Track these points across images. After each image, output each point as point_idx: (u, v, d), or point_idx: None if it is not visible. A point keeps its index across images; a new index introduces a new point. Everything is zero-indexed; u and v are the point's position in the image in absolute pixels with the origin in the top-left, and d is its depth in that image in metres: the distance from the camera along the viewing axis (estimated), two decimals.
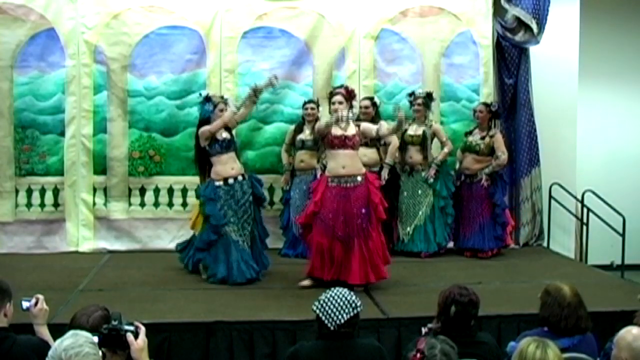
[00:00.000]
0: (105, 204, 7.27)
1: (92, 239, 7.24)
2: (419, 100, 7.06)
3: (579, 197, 7.84)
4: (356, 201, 5.50)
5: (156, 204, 7.33)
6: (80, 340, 2.42)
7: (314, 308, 3.34)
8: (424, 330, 3.37)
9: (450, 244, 7.28)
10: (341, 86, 6.00)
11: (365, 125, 5.77)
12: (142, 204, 7.33)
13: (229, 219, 5.86)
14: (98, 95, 7.21)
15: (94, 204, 7.25)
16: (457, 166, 7.30)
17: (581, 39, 7.93)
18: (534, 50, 7.77)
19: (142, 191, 7.33)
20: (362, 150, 6.87)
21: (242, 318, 4.86)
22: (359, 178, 5.56)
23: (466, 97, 7.65)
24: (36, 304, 3.43)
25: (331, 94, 5.89)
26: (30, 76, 7.15)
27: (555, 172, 7.83)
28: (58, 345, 2.40)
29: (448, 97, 7.64)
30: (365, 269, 5.51)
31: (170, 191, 7.33)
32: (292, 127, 7.09)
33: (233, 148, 6.01)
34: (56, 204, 7.23)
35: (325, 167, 6.00)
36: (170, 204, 7.34)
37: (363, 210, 5.50)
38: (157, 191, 7.34)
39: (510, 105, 7.81)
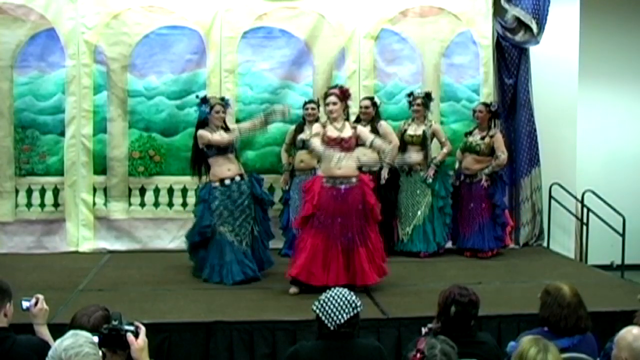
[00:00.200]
0: (105, 204, 7.27)
1: (92, 239, 7.24)
2: (418, 101, 7.06)
3: (579, 197, 7.84)
4: (352, 203, 5.43)
5: (156, 204, 7.34)
6: (80, 340, 2.42)
7: (314, 308, 3.34)
8: (424, 330, 3.37)
9: (449, 244, 7.29)
10: (336, 86, 5.93)
11: (361, 131, 5.66)
12: (142, 204, 7.33)
13: (224, 219, 5.88)
14: (98, 95, 7.21)
15: (94, 204, 7.25)
16: (457, 166, 7.30)
17: (581, 39, 7.93)
18: (534, 50, 7.77)
19: (142, 191, 7.33)
20: (362, 150, 6.88)
21: (242, 318, 4.86)
22: (354, 179, 5.50)
23: (466, 97, 7.65)
24: (36, 303, 3.43)
25: (326, 95, 5.79)
26: (30, 76, 7.15)
27: (555, 172, 7.83)
28: (58, 345, 2.40)
29: (448, 97, 7.64)
30: (369, 270, 5.46)
31: (170, 191, 7.33)
32: (293, 127, 7.09)
33: (231, 149, 6.02)
34: (56, 204, 7.23)
35: None
36: (170, 204, 7.34)
37: (363, 216, 5.45)
38: (157, 191, 7.34)
39: (510, 105, 7.81)
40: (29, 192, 7.22)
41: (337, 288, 3.45)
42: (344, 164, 5.42)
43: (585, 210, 7.80)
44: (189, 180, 7.13)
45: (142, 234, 7.32)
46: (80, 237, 7.21)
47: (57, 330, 3.00)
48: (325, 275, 5.36)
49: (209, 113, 5.96)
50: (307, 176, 6.83)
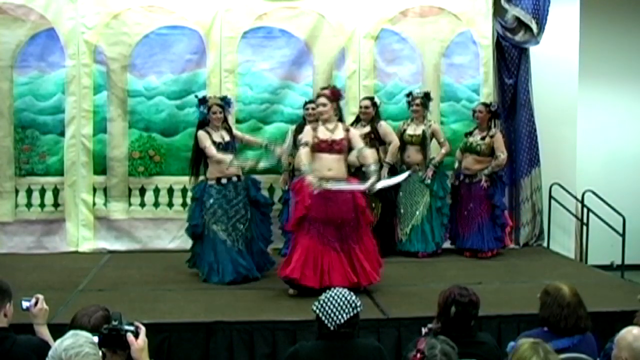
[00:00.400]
0: (105, 204, 7.27)
1: (92, 239, 7.24)
2: (417, 101, 7.06)
3: (579, 197, 7.84)
4: (343, 205, 5.38)
5: (156, 204, 7.34)
6: (81, 340, 2.42)
7: (314, 308, 3.34)
8: (424, 330, 3.37)
9: (448, 244, 7.29)
10: (327, 87, 5.87)
11: (353, 136, 5.58)
12: (142, 204, 7.33)
13: (218, 218, 5.91)
14: (98, 95, 7.21)
15: (94, 204, 7.25)
16: (456, 165, 7.30)
17: (581, 39, 7.93)
18: (534, 50, 7.77)
19: (142, 191, 7.33)
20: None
21: (242, 318, 4.86)
22: (343, 182, 5.44)
23: (466, 97, 7.64)
24: (36, 303, 3.44)
25: (317, 96, 5.74)
26: (30, 76, 7.15)
27: (555, 172, 7.83)
28: (58, 345, 2.40)
29: (448, 97, 7.64)
30: (363, 271, 5.43)
31: (170, 191, 7.33)
32: (293, 127, 7.09)
33: (231, 150, 6.04)
34: (56, 204, 7.23)
35: None
36: (170, 204, 7.34)
37: (352, 215, 5.42)
38: (157, 191, 7.34)
39: (510, 105, 7.81)
40: (29, 192, 7.21)
41: (337, 288, 3.45)
42: (335, 166, 5.41)
43: (585, 210, 7.80)
44: (189, 180, 7.13)
45: (142, 234, 7.32)
46: (80, 237, 7.21)
47: (57, 330, 3.00)
48: (321, 276, 5.30)
49: (207, 114, 6.00)
50: None
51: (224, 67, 7.32)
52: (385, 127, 7.00)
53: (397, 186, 7.06)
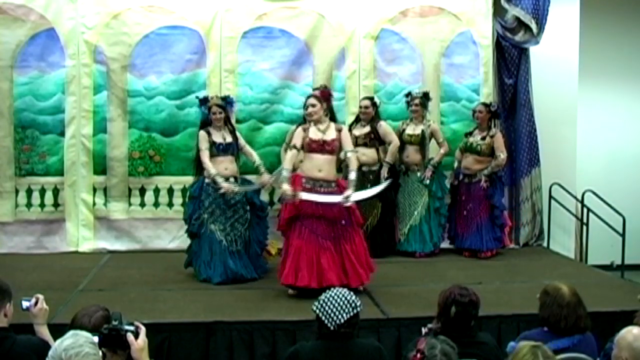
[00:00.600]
0: (105, 204, 7.27)
1: (92, 239, 7.24)
2: (416, 101, 7.06)
3: (579, 197, 7.84)
4: (334, 204, 5.35)
5: (156, 204, 7.34)
6: (80, 340, 2.42)
7: (314, 308, 3.34)
8: (424, 330, 3.37)
9: (447, 244, 7.29)
10: (318, 88, 5.84)
11: (344, 136, 5.54)
12: (142, 204, 7.33)
13: (216, 217, 5.93)
14: (98, 95, 7.21)
15: (94, 204, 7.25)
16: (456, 165, 7.31)
17: (581, 39, 7.93)
18: (534, 50, 7.77)
19: (142, 191, 7.33)
20: (362, 150, 6.90)
21: (242, 318, 4.86)
22: (333, 184, 5.43)
23: (466, 97, 7.64)
24: (36, 303, 3.44)
25: (307, 97, 5.72)
26: (30, 76, 7.15)
27: (555, 172, 7.83)
28: (58, 345, 2.41)
29: (448, 97, 7.64)
30: (354, 271, 5.40)
31: (170, 191, 7.33)
32: (293, 127, 7.08)
33: (231, 152, 6.06)
34: (56, 204, 7.23)
35: None
36: (170, 204, 7.34)
37: (344, 215, 5.39)
38: (157, 191, 7.34)
39: (510, 105, 7.81)
40: (29, 192, 7.21)
41: (337, 288, 3.46)
42: (326, 167, 5.40)
43: (585, 210, 7.80)
44: (189, 180, 7.08)
45: (142, 234, 7.32)
46: (80, 237, 7.21)
47: (57, 330, 3.01)
48: (319, 275, 5.28)
49: (208, 114, 6.03)
50: None
51: (224, 67, 7.31)
52: (385, 127, 7.00)
53: (396, 186, 7.08)
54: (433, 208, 7.10)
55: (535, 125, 7.72)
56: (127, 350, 2.57)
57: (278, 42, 7.37)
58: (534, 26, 7.51)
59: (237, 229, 5.96)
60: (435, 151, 7.15)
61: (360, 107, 7.03)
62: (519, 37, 7.67)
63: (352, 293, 3.42)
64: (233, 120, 6.60)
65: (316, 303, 3.35)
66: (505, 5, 7.61)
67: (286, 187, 5.28)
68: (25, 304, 3.43)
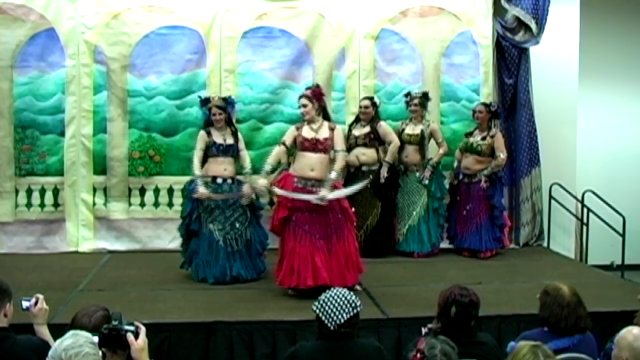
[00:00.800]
0: (105, 204, 7.27)
1: (92, 239, 7.24)
2: (415, 101, 7.06)
3: (579, 197, 7.84)
4: (328, 204, 5.34)
5: (156, 204, 7.34)
6: (80, 340, 2.42)
7: (314, 308, 3.34)
8: (424, 330, 3.37)
9: (447, 244, 7.29)
10: (310, 87, 5.82)
11: (336, 136, 5.52)
12: (142, 204, 7.33)
13: (215, 217, 5.92)
14: (98, 95, 7.21)
15: (94, 204, 7.25)
16: (455, 165, 7.31)
17: (581, 39, 7.93)
18: (534, 50, 7.77)
19: (142, 191, 7.33)
20: (361, 150, 6.91)
21: (242, 318, 4.86)
22: (325, 185, 5.40)
23: (466, 97, 7.64)
24: (36, 303, 3.44)
25: (300, 97, 5.71)
26: (30, 76, 7.15)
27: (555, 172, 7.83)
28: (58, 345, 2.40)
29: (448, 97, 7.64)
30: (346, 271, 5.39)
31: (170, 191, 7.33)
32: (293, 127, 7.07)
33: (231, 153, 6.06)
34: (56, 204, 7.23)
35: None
36: (170, 204, 7.33)
37: (338, 215, 5.40)
38: (157, 191, 7.34)
39: (510, 105, 7.81)
40: (29, 192, 7.21)
41: (337, 288, 3.45)
42: (318, 166, 5.39)
43: (585, 210, 7.81)
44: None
45: (142, 234, 7.32)
46: (80, 237, 7.21)
47: (57, 330, 3.01)
48: (314, 274, 5.27)
49: (208, 115, 6.06)
50: None
51: (224, 67, 7.31)
52: (385, 127, 7.00)
53: (396, 186, 7.09)
54: (432, 208, 7.10)
55: (535, 125, 7.72)
56: (127, 350, 2.57)
57: (278, 42, 7.37)
58: (534, 26, 7.52)
59: (237, 228, 5.96)
60: (434, 151, 7.15)
61: (360, 107, 7.03)
62: (519, 37, 7.67)
63: (352, 293, 3.42)
64: (233, 121, 6.60)
65: (316, 303, 3.35)
66: (505, 5, 7.61)
67: (262, 182, 5.34)
68: (25, 304, 3.43)
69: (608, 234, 7.54)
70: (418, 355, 2.58)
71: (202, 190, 5.90)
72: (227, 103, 6.22)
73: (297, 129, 5.54)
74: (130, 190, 7.30)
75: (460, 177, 7.20)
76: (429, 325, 3.38)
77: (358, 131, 6.99)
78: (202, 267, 5.93)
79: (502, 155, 7.02)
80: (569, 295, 3.48)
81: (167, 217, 7.32)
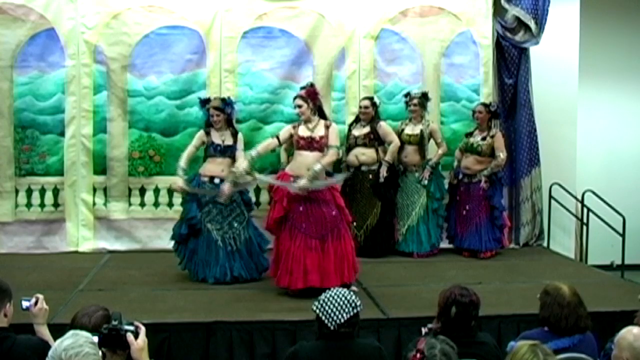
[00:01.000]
0: (105, 204, 7.27)
1: (92, 239, 7.24)
2: (415, 101, 7.06)
3: (579, 197, 7.84)
4: (324, 203, 5.36)
5: (156, 204, 7.34)
6: (80, 340, 2.42)
7: (314, 308, 3.34)
8: (424, 330, 3.37)
9: (445, 243, 7.29)
10: (305, 87, 5.82)
11: (331, 134, 5.49)
12: (142, 204, 7.33)
13: (213, 217, 5.92)
14: (98, 95, 7.21)
15: (94, 204, 7.25)
16: (455, 164, 7.30)
17: (581, 39, 7.93)
18: (534, 50, 7.77)
19: (142, 191, 7.33)
20: (361, 150, 6.91)
21: (242, 318, 4.86)
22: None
23: (466, 97, 7.64)
24: (36, 303, 3.44)
25: (294, 97, 5.71)
26: (30, 76, 7.14)
27: (555, 172, 7.83)
28: (58, 345, 2.40)
29: (448, 97, 7.64)
30: (341, 271, 5.38)
31: (170, 191, 7.30)
32: (290, 125, 7.07)
33: (229, 155, 6.05)
34: (56, 204, 7.23)
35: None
36: (170, 204, 7.33)
37: (334, 213, 5.39)
38: (157, 191, 7.34)
39: (510, 105, 7.81)
40: (29, 192, 7.21)
41: (336, 288, 3.45)
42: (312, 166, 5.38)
43: (585, 210, 7.81)
44: None
45: (142, 234, 7.32)
46: (80, 237, 7.21)
47: (57, 330, 3.01)
48: (305, 275, 5.28)
49: (208, 116, 6.08)
50: None
51: (224, 67, 7.31)
52: (385, 127, 7.00)
53: (396, 185, 7.08)
54: (431, 209, 7.10)
55: (535, 125, 7.72)
56: (127, 350, 2.57)
57: (278, 42, 7.37)
58: (533, 26, 7.52)
59: (235, 228, 5.95)
60: (434, 152, 7.15)
61: (360, 107, 7.03)
62: (519, 37, 7.67)
63: (352, 293, 3.42)
64: (233, 121, 6.60)
65: (316, 303, 3.35)
66: (505, 5, 7.61)
67: (244, 164, 5.44)
68: (25, 304, 3.43)
69: (608, 234, 7.54)
70: (418, 355, 2.58)
71: (179, 184, 5.99)
72: (226, 104, 6.20)
73: (294, 127, 5.57)
74: (130, 190, 7.30)
75: (460, 177, 7.20)
76: (429, 325, 3.38)
77: (358, 131, 6.99)
78: (202, 267, 5.93)
79: (502, 155, 7.02)
80: (569, 295, 3.48)
81: (167, 217, 7.30)
